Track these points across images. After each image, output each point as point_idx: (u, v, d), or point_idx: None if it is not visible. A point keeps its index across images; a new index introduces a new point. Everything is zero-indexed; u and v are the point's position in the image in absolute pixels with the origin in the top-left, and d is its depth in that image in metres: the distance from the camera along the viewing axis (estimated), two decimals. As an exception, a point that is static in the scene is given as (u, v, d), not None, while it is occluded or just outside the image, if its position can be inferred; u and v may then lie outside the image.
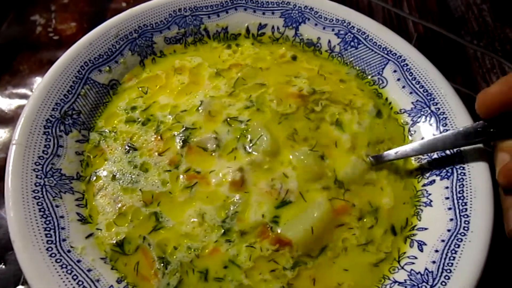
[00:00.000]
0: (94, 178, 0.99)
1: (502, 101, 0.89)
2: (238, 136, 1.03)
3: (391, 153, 1.03)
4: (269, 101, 1.10)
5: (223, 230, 0.92)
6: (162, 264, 0.88)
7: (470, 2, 1.69)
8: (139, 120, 1.07)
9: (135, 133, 1.05)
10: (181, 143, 1.02)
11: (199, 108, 1.08)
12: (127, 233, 0.91)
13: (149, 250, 0.90)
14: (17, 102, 1.34)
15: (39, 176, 0.91)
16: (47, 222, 0.87)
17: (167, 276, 0.87)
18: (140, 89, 1.13)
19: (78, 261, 0.85)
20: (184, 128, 1.04)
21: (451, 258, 0.88)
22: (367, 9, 1.65)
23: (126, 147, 1.03)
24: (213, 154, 1.01)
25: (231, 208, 0.94)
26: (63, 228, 0.88)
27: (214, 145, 1.02)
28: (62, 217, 0.89)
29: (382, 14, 1.65)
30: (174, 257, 0.89)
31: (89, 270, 0.84)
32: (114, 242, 0.90)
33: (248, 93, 1.12)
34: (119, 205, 0.94)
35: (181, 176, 0.98)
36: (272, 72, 1.18)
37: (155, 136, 1.04)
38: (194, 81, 1.15)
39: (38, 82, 1.38)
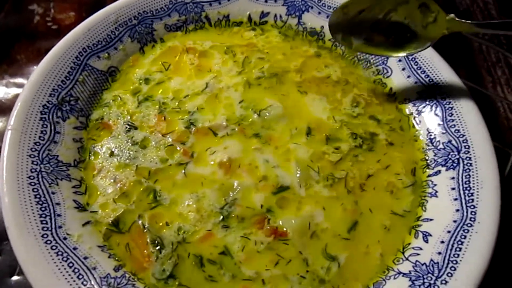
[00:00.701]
0: (93, 154, 0.98)
1: None
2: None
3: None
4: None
5: (221, 216, 0.90)
6: (156, 248, 0.86)
7: (475, -6, 1.67)
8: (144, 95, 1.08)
9: (135, 111, 1.05)
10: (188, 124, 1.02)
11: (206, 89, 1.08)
12: (123, 211, 0.90)
13: (143, 232, 0.88)
14: (14, 91, 1.31)
15: (35, 162, 0.89)
16: (43, 209, 0.84)
17: (160, 260, 0.85)
18: (162, 64, 1.14)
19: (74, 248, 0.82)
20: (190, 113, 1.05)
21: (457, 249, 0.86)
22: (370, 1, 1.63)
23: (127, 125, 1.02)
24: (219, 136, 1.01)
25: (230, 194, 0.93)
26: (59, 215, 0.85)
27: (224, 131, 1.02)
28: (58, 204, 0.87)
29: (386, 5, 1.63)
30: (168, 238, 0.87)
31: (85, 258, 0.82)
32: (110, 221, 0.89)
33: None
34: (119, 184, 0.93)
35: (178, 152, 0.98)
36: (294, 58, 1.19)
37: (158, 115, 1.04)
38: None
39: (36, 71, 1.36)
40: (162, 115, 1.04)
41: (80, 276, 0.79)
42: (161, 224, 0.89)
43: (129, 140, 1.00)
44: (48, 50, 1.39)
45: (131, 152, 0.98)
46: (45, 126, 0.94)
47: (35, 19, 1.50)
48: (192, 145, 0.99)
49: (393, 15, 1.01)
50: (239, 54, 1.16)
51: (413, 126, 1.08)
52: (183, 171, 0.95)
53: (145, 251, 0.86)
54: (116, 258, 0.85)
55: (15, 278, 0.98)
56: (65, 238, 0.83)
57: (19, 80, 1.35)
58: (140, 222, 0.89)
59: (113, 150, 0.98)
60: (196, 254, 0.87)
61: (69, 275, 0.78)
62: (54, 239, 0.81)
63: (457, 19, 0.99)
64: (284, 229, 0.89)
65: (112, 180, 0.94)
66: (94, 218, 0.89)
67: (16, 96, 1.29)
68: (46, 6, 1.53)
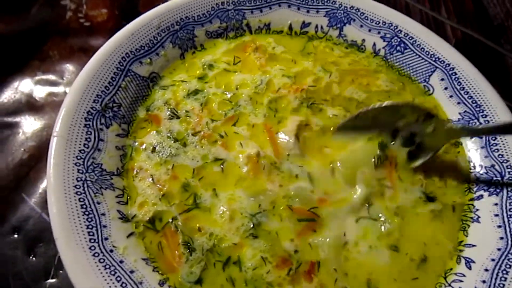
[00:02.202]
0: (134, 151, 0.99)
1: None
2: None
3: None
4: None
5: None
6: (187, 250, 0.87)
7: (510, 9, 1.65)
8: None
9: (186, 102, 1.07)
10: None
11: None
12: (160, 211, 0.91)
13: (176, 233, 0.89)
14: (47, 89, 1.30)
15: (80, 171, 0.88)
16: (89, 220, 0.84)
17: (190, 262, 0.85)
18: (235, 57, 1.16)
19: (121, 261, 0.82)
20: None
21: (502, 279, 0.86)
22: (404, 11, 1.61)
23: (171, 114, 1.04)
24: None
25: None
26: (104, 226, 0.85)
27: None
28: (103, 214, 0.86)
29: (420, 17, 1.61)
30: (199, 242, 0.88)
31: (131, 272, 0.82)
32: (147, 218, 0.90)
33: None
34: (159, 185, 0.94)
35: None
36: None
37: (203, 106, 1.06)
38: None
39: (69, 69, 1.34)
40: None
41: (128, 291, 0.78)
42: (194, 227, 0.90)
43: (170, 135, 1.01)
44: (81, 48, 1.40)
45: (172, 149, 0.99)
46: (89, 133, 0.93)
47: (67, 15, 1.48)
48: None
49: (400, 128, 1.01)
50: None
51: (455, 148, 1.07)
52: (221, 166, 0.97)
53: (176, 251, 0.87)
54: (160, 272, 0.85)
55: (50, 281, 0.98)
56: (111, 251, 0.82)
57: (52, 77, 1.33)
58: (173, 222, 0.90)
59: (154, 146, 1.00)
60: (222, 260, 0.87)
61: (117, 289, 0.78)
62: (101, 252, 0.81)
63: (454, 126, 1.02)
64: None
65: (151, 180, 0.94)
66: (134, 220, 0.90)
67: (49, 94, 1.28)
68: (78, 1, 1.51)
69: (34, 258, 1.00)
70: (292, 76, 1.13)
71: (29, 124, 1.21)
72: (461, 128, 1.01)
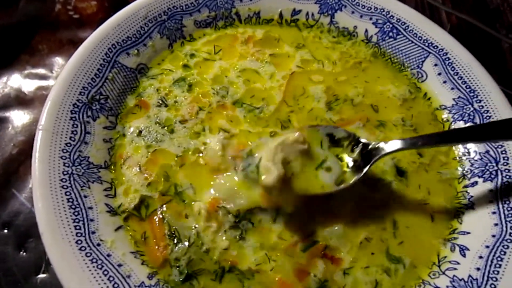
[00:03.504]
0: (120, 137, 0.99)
1: None
2: None
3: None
4: None
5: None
6: (173, 242, 0.86)
7: (505, -7, 1.63)
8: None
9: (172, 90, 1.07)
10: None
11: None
12: (145, 197, 0.91)
13: (163, 223, 0.88)
14: (36, 83, 1.28)
15: (66, 164, 0.87)
16: (76, 214, 0.83)
17: (175, 254, 0.85)
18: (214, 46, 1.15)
19: (108, 255, 0.81)
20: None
21: (497, 265, 0.84)
22: (398, -4, 1.59)
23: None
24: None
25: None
26: (92, 220, 0.84)
27: None
28: (90, 208, 0.85)
29: (414, 2, 1.58)
30: (185, 233, 0.87)
31: (119, 265, 0.80)
32: (133, 205, 0.89)
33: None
34: (145, 174, 0.93)
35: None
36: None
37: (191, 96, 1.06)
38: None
39: (58, 62, 1.33)
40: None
41: (116, 285, 0.77)
42: (180, 216, 0.89)
43: (159, 121, 1.01)
44: (71, 40, 1.38)
45: (158, 135, 0.99)
46: (75, 126, 0.92)
47: (56, 7, 1.46)
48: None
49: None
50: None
51: (449, 133, 1.06)
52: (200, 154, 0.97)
53: (161, 241, 0.86)
54: (149, 265, 0.84)
55: (40, 276, 0.97)
56: (98, 244, 0.81)
57: (41, 71, 1.32)
58: (160, 211, 0.89)
59: (141, 130, 0.99)
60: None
61: (105, 283, 0.77)
62: (88, 246, 0.80)
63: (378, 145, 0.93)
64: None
65: (137, 169, 0.94)
66: (121, 208, 0.89)
67: (39, 88, 1.27)
68: (67, -6, 1.49)
69: (24, 254, 0.99)
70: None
71: (18, 119, 1.20)
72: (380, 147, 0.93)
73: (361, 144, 0.93)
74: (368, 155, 0.91)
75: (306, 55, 1.15)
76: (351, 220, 0.92)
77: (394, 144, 0.91)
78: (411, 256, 0.89)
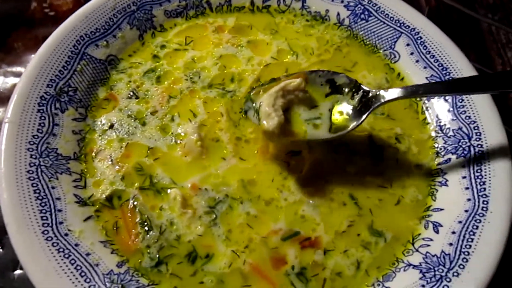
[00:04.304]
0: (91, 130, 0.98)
1: None
2: None
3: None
4: None
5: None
6: (144, 229, 0.86)
7: (483, -27, 1.62)
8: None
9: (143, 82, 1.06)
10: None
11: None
12: (117, 189, 0.90)
13: (134, 212, 0.88)
14: (12, 80, 1.28)
15: (33, 156, 0.87)
16: (43, 204, 0.82)
17: (146, 241, 0.85)
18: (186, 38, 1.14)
19: (76, 244, 0.81)
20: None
21: (469, 240, 0.84)
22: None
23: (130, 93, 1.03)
24: None
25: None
26: (59, 211, 0.83)
27: None
28: (58, 199, 0.85)
29: (392, -13, 1.57)
30: (157, 221, 0.87)
31: (87, 254, 0.80)
32: (104, 196, 0.89)
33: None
34: (117, 167, 0.93)
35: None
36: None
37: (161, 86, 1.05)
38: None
39: (33, 59, 1.32)
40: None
41: (83, 274, 0.77)
42: (154, 208, 0.89)
43: (130, 113, 1.00)
44: (46, 37, 1.35)
45: (130, 128, 0.98)
46: (43, 118, 0.92)
47: (31, 5, 1.46)
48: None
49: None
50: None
51: (422, 112, 1.05)
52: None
53: (133, 230, 0.86)
54: (119, 254, 0.83)
55: (17, 272, 0.97)
56: (66, 234, 0.81)
57: (17, 69, 1.31)
58: (132, 201, 0.89)
59: (113, 123, 0.99)
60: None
61: (71, 272, 0.77)
62: (55, 236, 0.80)
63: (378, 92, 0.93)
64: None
65: (110, 162, 0.93)
66: (91, 199, 0.89)
67: (14, 85, 1.25)
68: (42, -9, 1.49)
69: (1, 250, 0.99)
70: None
71: (-6, 117, 1.19)
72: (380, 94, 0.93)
73: (361, 91, 0.93)
74: (368, 102, 0.92)
75: (282, 45, 1.14)
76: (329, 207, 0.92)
77: (394, 92, 0.91)
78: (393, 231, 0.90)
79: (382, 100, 0.91)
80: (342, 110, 0.93)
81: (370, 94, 0.92)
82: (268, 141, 0.95)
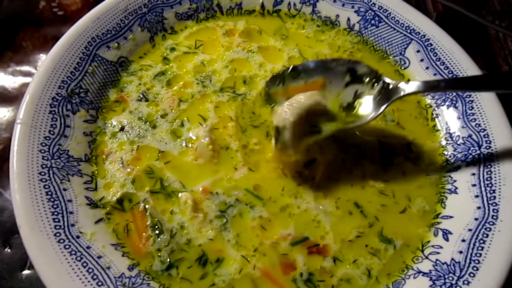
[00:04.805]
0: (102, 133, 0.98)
1: None
2: None
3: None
4: None
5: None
6: (155, 232, 0.86)
7: (491, -20, 1.62)
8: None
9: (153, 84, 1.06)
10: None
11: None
12: (128, 192, 0.90)
13: (145, 215, 0.88)
14: (20, 80, 1.28)
15: (45, 158, 0.87)
16: (55, 206, 0.82)
17: (157, 244, 0.85)
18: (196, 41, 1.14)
19: (88, 247, 0.81)
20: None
21: (479, 248, 0.84)
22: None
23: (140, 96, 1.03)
24: None
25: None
26: (71, 213, 0.83)
27: None
28: (70, 201, 0.85)
29: (400, -9, 1.58)
30: (168, 225, 0.87)
31: (99, 257, 0.80)
32: (115, 199, 0.89)
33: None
34: (128, 169, 0.93)
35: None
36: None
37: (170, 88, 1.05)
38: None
39: (43, 59, 1.32)
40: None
41: (95, 276, 0.77)
42: (165, 211, 0.89)
43: (141, 116, 1.01)
44: (55, 37, 1.37)
45: (140, 130, 0.98)
46: (54, 119, 0.92)
47: (40, 4, 1.46)
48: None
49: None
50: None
51: (432, 119, 1.05)
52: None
53: (143, 233, 0.86)
54: (130, 257, 0.84)
55: (25, 272, 0.97)
56: (78, 237, 0.81)
57: (25, 68, 1.31)
58: (142, 204, 0.89)
59: (124, 125, 0.99)
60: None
61: (83, 275, 0.77)
62: (67, 238, 0.80)
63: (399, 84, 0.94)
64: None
65: (120, 165, 0.93)
66: (102, 202, 0.89)
67: (23, 84, 1.26)
68: (51, -9, 1.49)
69: (9, 250, 0.99)
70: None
71: (2, 116, 1.19)
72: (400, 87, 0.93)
73: (382, 81, 0.93)
74: (388, 93, 0.92)
75: (293, 51, 1.14)
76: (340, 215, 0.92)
77: (414, 85, 0.91)
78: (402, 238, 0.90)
79: (402, 93, 0.91)
80: (362, 100, 0.94)
81: (391, 86, 0.92)
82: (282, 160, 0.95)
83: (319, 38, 1.18)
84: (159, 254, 0.84)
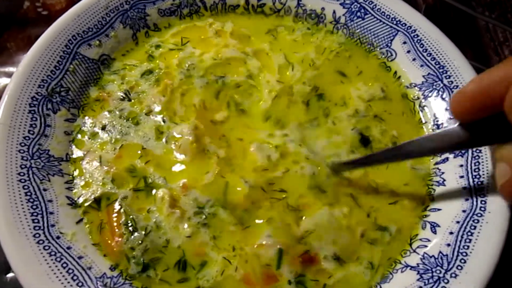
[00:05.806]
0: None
1: (482, 102, 0.72)
2: None
3: None
4: None
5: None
6: (128, 230, 0.84)
7: (481, -29, 1.60)
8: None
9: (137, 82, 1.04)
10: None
11: None
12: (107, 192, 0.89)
13: (120, 212, 0.86)
14: (4, 81, 1.27)
15: (25, 158, 0.85)
16: (34, 207, 0.81)
17: (130, 243, 0.83)
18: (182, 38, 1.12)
19: (68, 248, 0.79)
20: None
21: (467, 240, 0.83)
22: (371, -21, 1.56)
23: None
24: None
25: None
26: (51, 213, 0.82)
27: None
28: (50, 201, 0.83)
29: (388, -16, 1.56)
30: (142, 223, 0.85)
31: (80, 258, 0.79)
32: (93, 198, 0.87)
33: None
34: (106, 168, 0.91)
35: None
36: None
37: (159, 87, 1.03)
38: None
39: (26, 59, 1.31)
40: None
41: (75, 277, 0.76)
42: (140, 208, 0.87)
43: (121, 114, 0.99)
44: (39, 37, 1.35)
45: (122, 128, 0.97)
46: (34, 119, 0.90)
47: (24, 4, 1.44)
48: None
49: None
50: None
51: (419, 112, 1.04)
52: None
53: (116, 230, 0.84)
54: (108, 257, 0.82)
55: (10, 275, 0.96)
56: (58, 237, 0.79)
57: (9, 69, 1.30)
58: (118, 202, 0.87)
59: (105, 124, 0.97)
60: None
61: (63, 276, 0.75)
62: (47, 239, 0.78)
63: None
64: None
65: (99, 163, 0.92)
66: (81, 201, 0.87)
67: (6, 86, 1.25)
68: (35, -9, 1.47)
69: (-7, 253, 0.98)
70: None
71: (-15, 118, 1.18)
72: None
73: None
74: None
75: (281, 60, 1.11)
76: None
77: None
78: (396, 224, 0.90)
79: None
80: None
81: None
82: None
83: (307, 40, 1.15)
84: (133, 253, 0.82)
